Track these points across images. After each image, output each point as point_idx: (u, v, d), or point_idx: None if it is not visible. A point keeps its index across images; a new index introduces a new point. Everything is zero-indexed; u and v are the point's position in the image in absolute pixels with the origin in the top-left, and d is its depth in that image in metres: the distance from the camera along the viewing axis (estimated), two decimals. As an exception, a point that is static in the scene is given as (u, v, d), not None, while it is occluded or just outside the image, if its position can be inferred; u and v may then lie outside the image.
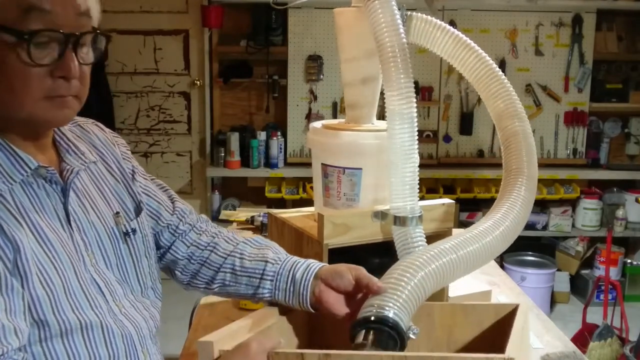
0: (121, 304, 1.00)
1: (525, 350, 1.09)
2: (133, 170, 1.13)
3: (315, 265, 1.09)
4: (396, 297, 0.96)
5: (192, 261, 1.18)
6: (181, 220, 1.19)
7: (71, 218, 0.95)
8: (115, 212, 1.04)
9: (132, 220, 1.07)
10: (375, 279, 1.00)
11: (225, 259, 1.15)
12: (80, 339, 0.91)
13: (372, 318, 0.93)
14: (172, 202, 1.20)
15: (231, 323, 1.01)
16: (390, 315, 0.93)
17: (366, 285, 1.00)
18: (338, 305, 1.04)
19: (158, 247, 1.17)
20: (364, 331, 0.93)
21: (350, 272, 1.04)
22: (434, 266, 1.05)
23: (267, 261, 1.11)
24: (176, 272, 1.19)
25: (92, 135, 1.09)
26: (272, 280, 1.10)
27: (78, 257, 0.94)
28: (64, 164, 0.98)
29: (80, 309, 0.91)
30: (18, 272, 0.84)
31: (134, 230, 1.06)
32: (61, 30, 0.85)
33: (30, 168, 0.89)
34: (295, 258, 1.12)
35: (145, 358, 1.02)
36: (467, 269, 1.15)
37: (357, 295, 1.04)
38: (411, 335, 0.95)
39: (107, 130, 1.14)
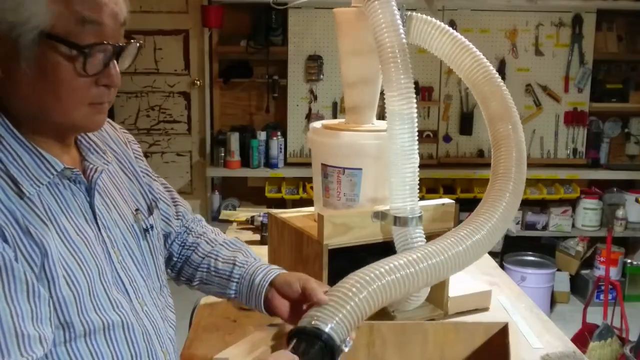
0: (143, 302, 1.01)
1: None
2: (147, 170, 1.17)
3: (273, 272, 1.14)
4: (335, 312, 0.94)
5: (180, 259, 1.25)
6: (180, 221, 1.27)
7: (97, 216, 0.96)
8: (135, 208, 1.06)
9: (147, 217, 1.09)
10: (319, 291, 1.01)
11: (203, 259, 1.22)
12: (102, 339, 0.92)
13: (306, 329, 0.93)
14: (175, 205, 1.26)
15: (248, 337, 1.02)
16: (326, 329, 0.92)
17: (309, 296, 1.03)
18: (282, 310, 1.10)
19: None
20: (295, 340, 0.92)
21: (298, 282, 1.08)
22: (384, 281, 1.00)
23: (235, 264, 1.18)
24: (167, 268, 1.25)
25: (105, 134, 1.10)
26: (237, 283, 1.16)
27: (105, 255, 0.95)
28: (86, 162, 0.99)
29: (103, 310, 0.92)
30: (45, 275, 0.84)
31: (151, 227, 1.08)
32: (110, 42, 0.88)
33: (56, 170, 0.90)
34: (261, 263, 1.18)
35: (165, 357, 1.03)
36: (427, 282, 1.10)
37: (304, 303, 1.07)
38: (344, 348, 0.94)
39: (118, 128, 1.16)
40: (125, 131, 1.17)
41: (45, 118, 0.89)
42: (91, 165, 0.99)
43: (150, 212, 1.11)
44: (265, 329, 1.08)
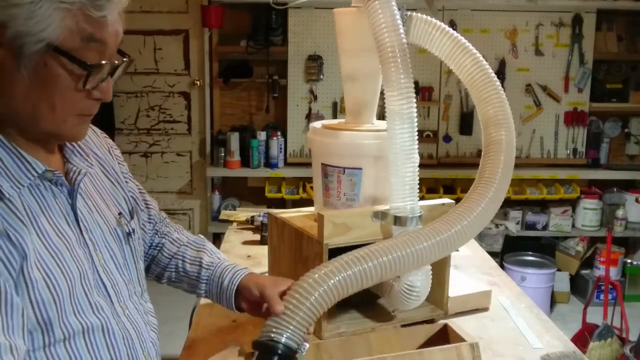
0: (125, 306, 1.01)
1: None
2: (128, 175, 1.18)
3: (239, 274, 1.21)
4: (289, 321, 0.98)
5: (145, 257, 1.28)
6: (152, 224, 1.30)
7: (79, 219, 0.96)
8: (118, 212, 1.07)
9: (129, 221, 1.09)
10: (275, 300, 1.06)
11: (170, 260, 1.29)
12: (82, 343, 0.91)
13: (264, 343, 0.97)
14: (147, 209, 1.29)
15: (215, 356, 1.01)
16: (283, 340, 0.96)
17: (267, 304, 1.09)
18: (250, 310, 1.20)
19: None
20: (256, 353, 0.97)
21: (257, 288, 1.15)
22: (334, 280, 1.03)
23: (201, 265, 1.25)
24: None
25: (88, 139, 1.10)
26: (206, 284, 1.24)
27: (86, 257, 0.95)
28: (69, 165, 0.99)
29: (82, 313, 0.91)
30: (24, 279, 0.84)
31: (133, 231, 1.09)
32: (110, 61, 0.90)
33: (37, 172, 0.90)
34: (226, 264, 1.24)
35: None
36: (381, 277, 1.11)
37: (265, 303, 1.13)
38: (302, 353, 1.00)
39: (99, 133, 1.16)
40: (107, 137, 1.19)
41: (34, 124, 0.89)
42: (74, 168, 0.99)
43: (132, 217, 1.12)
44: (232, 347, 1.07)
